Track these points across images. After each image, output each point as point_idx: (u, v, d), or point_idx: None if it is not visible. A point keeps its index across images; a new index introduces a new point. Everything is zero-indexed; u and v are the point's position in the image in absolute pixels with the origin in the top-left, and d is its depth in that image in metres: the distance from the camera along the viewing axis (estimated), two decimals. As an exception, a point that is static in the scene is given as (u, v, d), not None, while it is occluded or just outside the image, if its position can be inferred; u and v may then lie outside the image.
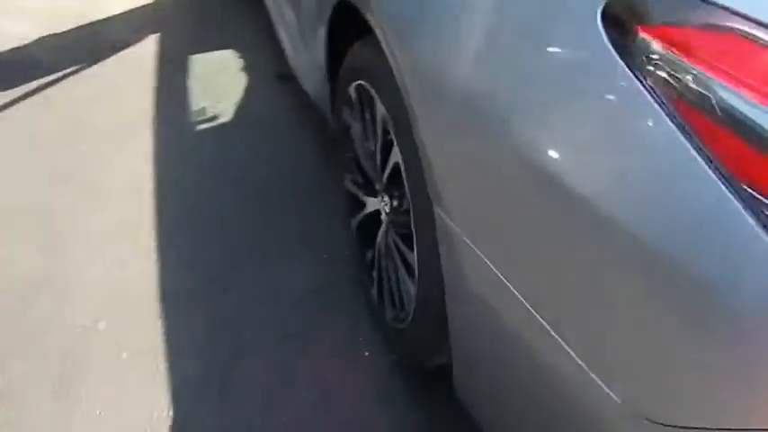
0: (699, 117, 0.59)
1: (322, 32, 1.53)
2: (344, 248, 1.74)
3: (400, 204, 1.31)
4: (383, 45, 1.09)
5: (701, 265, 0.59)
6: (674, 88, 0.60)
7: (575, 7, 0.69)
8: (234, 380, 1.43)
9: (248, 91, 2.50)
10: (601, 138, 0.66)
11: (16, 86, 2.54)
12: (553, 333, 0.76)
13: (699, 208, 0.59)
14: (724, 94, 0.59)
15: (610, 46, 0.63)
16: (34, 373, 1.45)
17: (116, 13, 3.18)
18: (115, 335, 1.53)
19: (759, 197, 0.57)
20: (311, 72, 1.86)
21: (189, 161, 2.13)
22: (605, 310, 0.70)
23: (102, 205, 1.95)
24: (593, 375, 0.70)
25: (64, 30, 2.99)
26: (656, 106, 0.59)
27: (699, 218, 0.59)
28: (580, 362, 0.72)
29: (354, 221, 1.60)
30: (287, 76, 2.52)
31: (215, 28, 3.00)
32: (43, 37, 2.92)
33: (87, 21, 3.09)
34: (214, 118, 2.34)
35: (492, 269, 0.85)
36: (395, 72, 1.04)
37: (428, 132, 0.93)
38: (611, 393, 0.67)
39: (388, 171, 1.25)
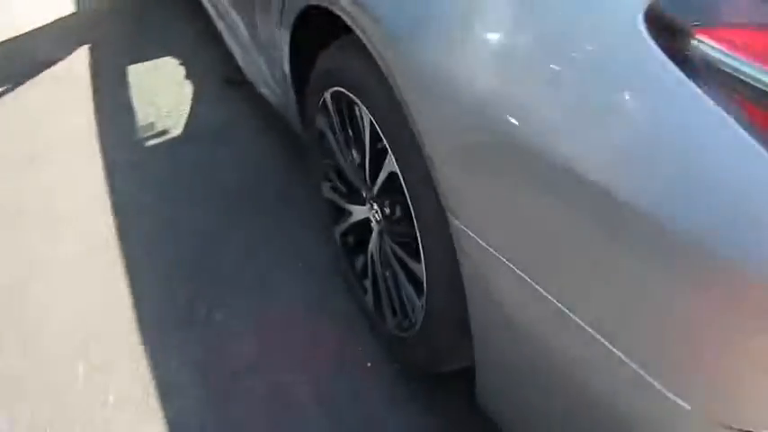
0: None
1: (285, 37, 1.46)
2: (324, 258, 1.68)
3: (393, 212, 1.27)
4: (370, 48, 1.04)
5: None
6: (740, 92, 0.58)
7: (611, 9, 0.66)
8: (232, 406, 1.36)
9: (197, 100, 2.38)
10: (652, 143, 0.63)
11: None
12: (599, 337, 0.74)
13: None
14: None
15: (658, 49, 0.61)
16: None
17: (36, 26, 2.97)
18: (98, 378, 1.43)
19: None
20: (270, 78, 1.78)
21: (144, 182, 2.01)
22: (653, 310, 0.69)
23: (62, 234, 1.81)
24: (652, 381, 0.69)
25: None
26: (721, 111, 0.57)
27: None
28: (635, 367, 0.71)
29: (338, 230, 1.55)
30: (236, 81, 2.42)
31: (150, 34, 2.84)
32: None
33: (4, 38, 2.87)
34: (164, 132, 2.22)
35: (520, 275, 0.83)
36: (389, 78, 0.99)
37: (440, 142, 0.89)
38: (678, 400, 0.66)
39: (381, 180, 1.20)
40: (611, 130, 0.67)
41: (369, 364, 1.45)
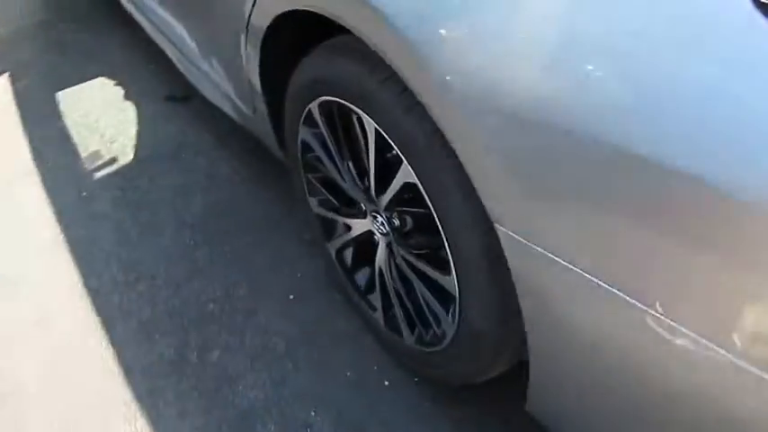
0: None
1: (254, 46, 1.34)
2: (314, 276, 1.59)
3: (404, 224, 1.19)
4: (381, 55, 0.95)
5: None
6: None
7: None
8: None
9: (142, 121, 2.20)
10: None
11: None
12: (685, 330, 0.70)
13: None
14: None
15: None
16: None
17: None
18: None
19: None
20: (232, 93, 1.65)
21: (101, 222, 1.83)
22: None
23: (17, 293, 1.63)
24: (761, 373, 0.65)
25: None
26: None
27: None
28: (736, 360, 0.67)
29: (333, 246, 1.45)
30: (179, 97, 2.27)
31: (76, 54, 2.61)
32: None
33: None
34: (113, 161, 2.04)
35: (590, 279, 0.78)
36: (411, 83, 0.90)
37: (483, 150, 0.82)
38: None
39: (392, 191, 1.12)
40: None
41: (386, 383, 1.38)
